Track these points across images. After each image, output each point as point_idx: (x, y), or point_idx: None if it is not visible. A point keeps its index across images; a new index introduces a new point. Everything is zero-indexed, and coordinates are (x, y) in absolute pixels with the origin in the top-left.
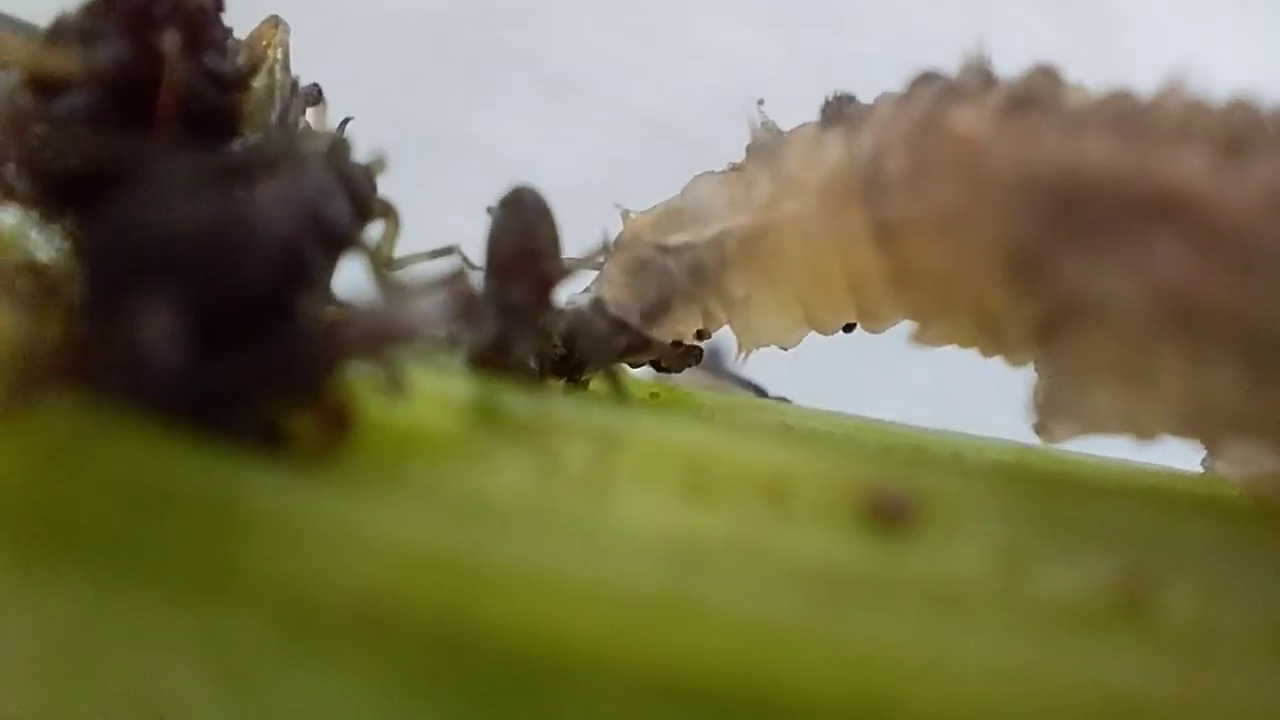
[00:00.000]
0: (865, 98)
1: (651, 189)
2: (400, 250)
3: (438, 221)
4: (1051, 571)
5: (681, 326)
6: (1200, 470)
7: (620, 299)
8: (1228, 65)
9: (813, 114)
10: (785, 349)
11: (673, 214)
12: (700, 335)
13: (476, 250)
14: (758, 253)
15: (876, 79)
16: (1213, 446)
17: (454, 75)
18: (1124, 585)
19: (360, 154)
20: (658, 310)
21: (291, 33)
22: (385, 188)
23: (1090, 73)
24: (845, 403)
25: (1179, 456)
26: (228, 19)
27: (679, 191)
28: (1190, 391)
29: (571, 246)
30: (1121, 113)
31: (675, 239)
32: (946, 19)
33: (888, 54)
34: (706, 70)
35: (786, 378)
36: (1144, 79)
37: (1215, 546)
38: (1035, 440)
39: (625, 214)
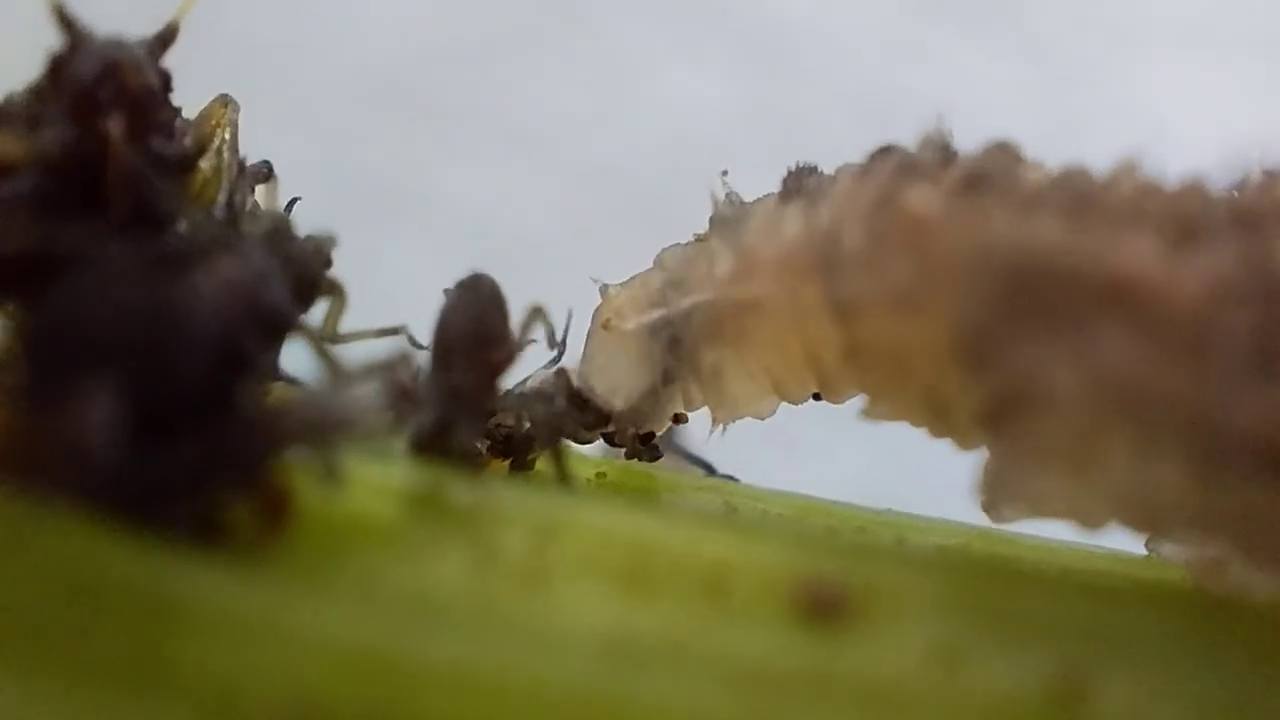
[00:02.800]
0: (822, 147)
1: (609, 239)
2: (354, 308)
3: (395, 272)
4: (988, 667)
5: (666, 410)
6: (1145, 552)
7: (604, 383)
8: (1193, 114)
9: (769, 165)
10: (760, 419)
11: (648, 289)
12: (678, 419)
13: (429, 308)
14: (724, 327)
15: (834, 129)
16: (1157, 536)
17: (412, 127)
18: (1060, 680)
19: (315, 221)
20: (648, 396)
21: (251, 88)
22: (342, 241)
23: (1053, 121)
24: (812, 461)
25: (1127, 536)
26: (193, 93)
27: (650, 264)
28: (1136, 483)
29: (530, 297)
30: (1074, 194)
31: (652, 316)
32: (907, 68)
33: (846, 104)
34: (664, 121)
35: (752, 435)
36: (1107, 127)
37: (1154, 637)
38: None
39: (603, 288)
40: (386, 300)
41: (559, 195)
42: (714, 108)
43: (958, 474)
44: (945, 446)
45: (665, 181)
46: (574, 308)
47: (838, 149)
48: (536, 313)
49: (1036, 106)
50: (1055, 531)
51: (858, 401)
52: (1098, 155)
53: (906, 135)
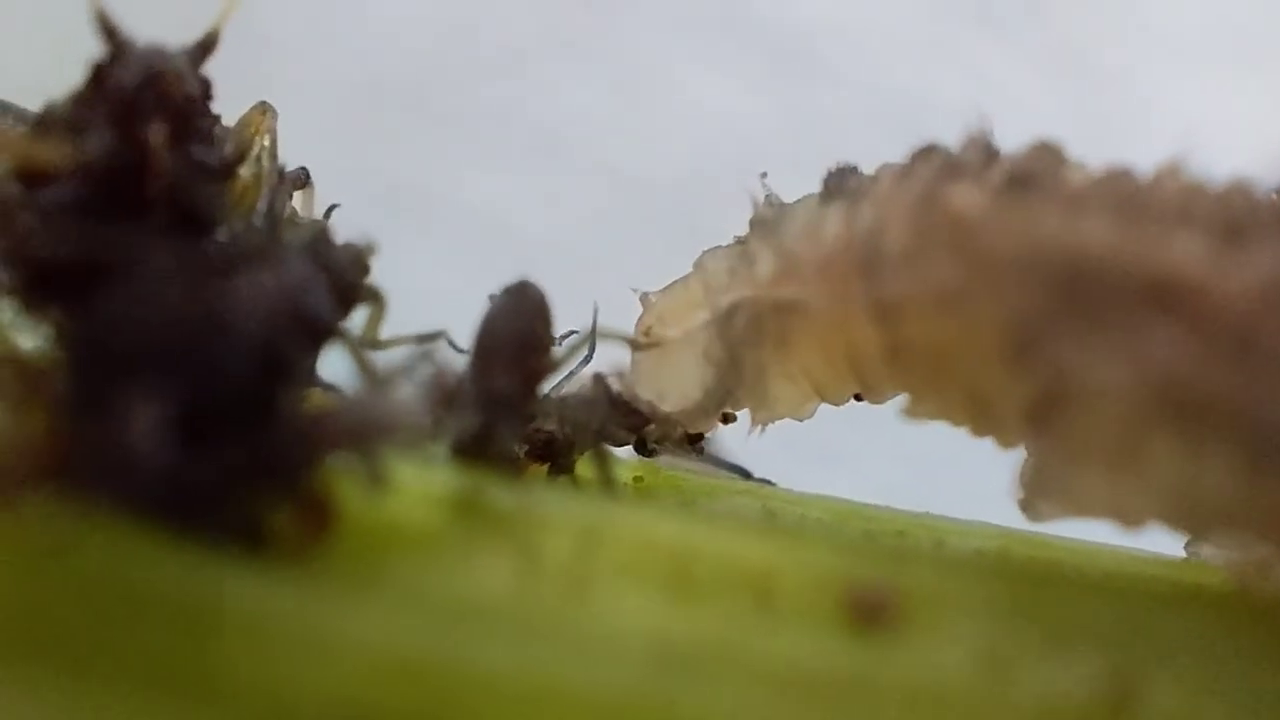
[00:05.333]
0: (853, 154)
1: (638, 246)
2: (386, 314)
3: (423, 278)
4: (1036, 671)
5: (716, 411)
6: (1184, 555)
7: (651, 389)
8: (1222, 121)
9: (799, 171)
10: (799, 421)
11: (688, 294)
12: (726, 419)
13: (457, 311)
14: (765, 329)
15: (865, 135)
16: (1199, 535)
17: (443, 134)
18: (1109, 684)
19: (346, 227)
20: (698, 399)
21: (282, 94)
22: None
23: (1083, 126)
24: (839, 467)
25: (1163, 539)
26: (218, 97)
27: (680, 270)
28: (1181, 480)
29: (560, 303)
30: (1121, 194)
31: (694, 320)
32: (935, 75)
33: (876, 110)
34: (693, 126)
35: (779, 442)
36: (1137, 132)
37: (1200, 639)
38: (1018, 518)
39: (644, 297)
40: (416, 306)
41: (589, 202)
42: (743, 114)
43: (985, 480)
44: (972, 453)
45: (694, 187)
46: (603, 313)
47: (869, 155)
48: (580, 335)
49: (1066, 112)
50: (1091, 534)
51: (886, 409)
52: (1128, 160)
53: (937, 141)
